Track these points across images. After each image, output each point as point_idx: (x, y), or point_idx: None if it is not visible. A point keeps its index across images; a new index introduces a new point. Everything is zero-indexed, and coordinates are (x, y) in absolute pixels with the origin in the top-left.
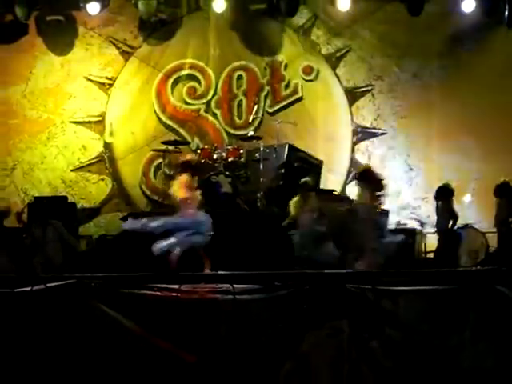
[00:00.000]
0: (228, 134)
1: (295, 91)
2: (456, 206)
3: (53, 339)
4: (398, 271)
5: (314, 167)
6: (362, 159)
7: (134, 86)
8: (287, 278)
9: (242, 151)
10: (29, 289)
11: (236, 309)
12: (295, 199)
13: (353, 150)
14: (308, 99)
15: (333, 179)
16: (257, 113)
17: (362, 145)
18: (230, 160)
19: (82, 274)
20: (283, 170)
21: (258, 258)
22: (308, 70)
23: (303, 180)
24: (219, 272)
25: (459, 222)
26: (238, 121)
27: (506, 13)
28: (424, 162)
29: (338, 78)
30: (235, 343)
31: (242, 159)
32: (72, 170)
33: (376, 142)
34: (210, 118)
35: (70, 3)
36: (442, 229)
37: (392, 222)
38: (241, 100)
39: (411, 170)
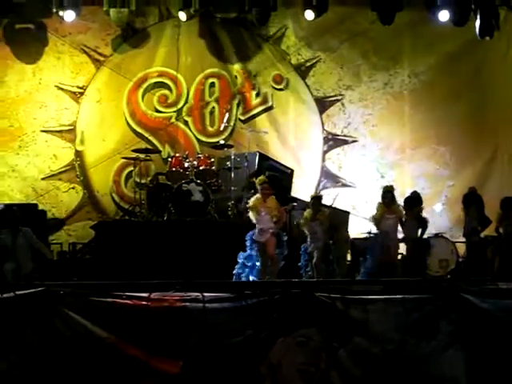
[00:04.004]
0: (199, 142)
1: (265, 100)
2: (427, 215)
3: (22, 346)
4: (368, 280)
5: (284, 176)
6: (332, 168)
7: (105, 95)
8: (257, 286)
9: (213, 159)
10: None
11: (205, 317)
12: (307, 211)
13: (323, 159)
14: (278, 108)
15: (304, 188)
16: (228, 121)
17: (333, 153)
18: (201, 168)
19: (52, 281)
20: (254, 179)
21: (229, 267)
22: (278, 79)
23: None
24: (189, 280)
25: (432, 231)
26: (209, 129)
27: (477, 23)
28: (395, 170)
29: (307, 87)
30: (205, 352)
31: (213, 167)
32: (43, 179)
33: (347, 150)
34: (182, 126)
35: (40, 11)
36: (410, 237)
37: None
38: (213, 107)
39: (382, 177)
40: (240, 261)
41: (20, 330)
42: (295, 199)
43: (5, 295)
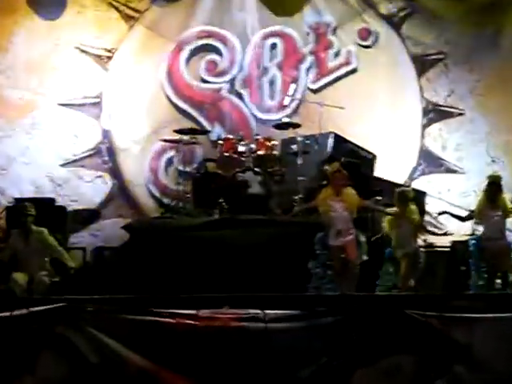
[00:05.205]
0: (257, 119)
1: (348, 61)
2: None
3: (37, 375)
4: (471, 294)
5: (365, 162)
6: (434, 147)
7: (140, 60)
8: (332, 301)
9: (275, 142)
10: (8, 314)
11: (268, 340)
12: (392, 210)
13: (423, 135)
14: (365, 70)
15: (397, 172)
16: (295, 92)
17: (434, 128)
18: (260, 153)
19: (73, 295)
20: (327, 167)
21: (296, 277)
22: (364, 34)
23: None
24: (246, 294)
25: None
26: (269, 103)
27: None
28: (508, 154)
29: (402, 42)
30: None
31: (276, 152)
32: (62, 165)
33: (452, 125)
34: (235, 99)
35: None
36: None
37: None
38: (274, 76)
39: (493, 162)
40: (314, 271)
41: (34, 355)
42: (380, 191)
43: (16, 312)
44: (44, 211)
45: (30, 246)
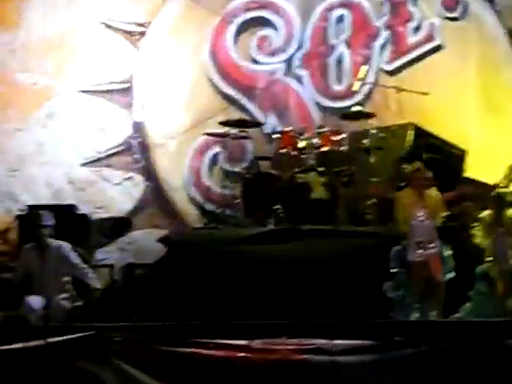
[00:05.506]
0: (321, 108)
1: (430, 36)
2: None
3: None
4: None
5: (452, 159)
6: None
7: (178, 37)
8: (414, 329)
9: (343, 136)
10: (21, 345)
11: (336, 376)
12: (485, 214)
13: None
14: (451, 48)
15: (491, 172)
16: (367, 75)
17: None
18: (324, 150)
19: (98, 322)
20: (406, 165)
21: (370, 301)
22: (451, 4)
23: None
24: (309, 321)
25: None
26: (336, 87)
27: None
28: None
29: (497, 13)
30: None
31: (344, 148)
32: (84, 165)
33: None
34: (293, 83)
35: None
36: None
37: None
38: (341, 54)
39: None
40: (392, 294)
41: None
42: (471, 194)
43: (30, 343)
44: (63, 221)
45: (47, 263)
